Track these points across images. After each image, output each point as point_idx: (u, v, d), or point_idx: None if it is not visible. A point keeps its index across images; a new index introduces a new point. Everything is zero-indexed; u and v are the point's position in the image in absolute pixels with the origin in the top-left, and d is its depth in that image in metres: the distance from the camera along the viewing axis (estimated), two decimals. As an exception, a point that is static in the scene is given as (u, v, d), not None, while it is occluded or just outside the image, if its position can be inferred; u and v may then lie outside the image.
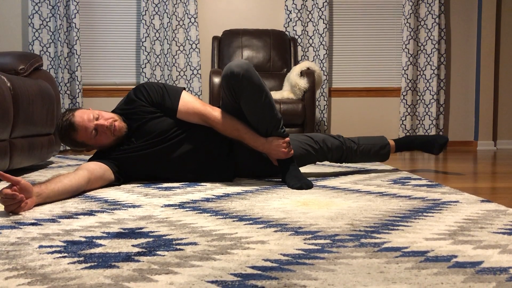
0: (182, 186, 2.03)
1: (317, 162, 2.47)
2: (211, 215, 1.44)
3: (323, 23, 4.41)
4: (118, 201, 1.67)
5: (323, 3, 4.40)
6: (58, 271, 0.93)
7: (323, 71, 4.44)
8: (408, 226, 1.28)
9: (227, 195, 1.80)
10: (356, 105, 4.64)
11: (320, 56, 4.44)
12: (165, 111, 2.08)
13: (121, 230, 1.25)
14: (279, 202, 1.66)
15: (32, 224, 1.33)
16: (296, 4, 4.42)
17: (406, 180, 2.20)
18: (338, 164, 2.95)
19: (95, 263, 0.97)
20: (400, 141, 2.53)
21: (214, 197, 1.77)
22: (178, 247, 1.09)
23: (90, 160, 2.05)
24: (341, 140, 2.35)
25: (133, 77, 4.56)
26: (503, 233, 1.20)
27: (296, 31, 4.44)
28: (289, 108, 3.63)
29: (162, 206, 1.58)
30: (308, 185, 1.96)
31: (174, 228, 1.28)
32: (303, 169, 2.53)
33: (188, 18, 4.37)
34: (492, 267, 0.94)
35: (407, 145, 2.54)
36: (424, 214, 1.44)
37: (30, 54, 2.92)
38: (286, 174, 2.05)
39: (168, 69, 4.43)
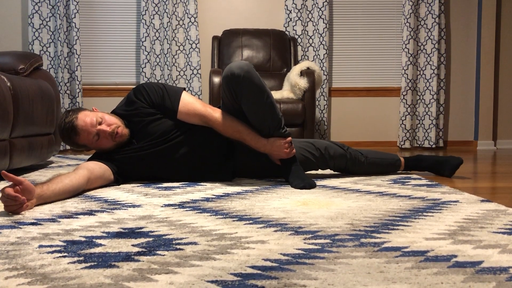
0: (182, 186, 2.03)
1: (320, 170, 2.39)
2: (211, 215, 1.44)
3: (323, 22, 4.40)
4: (118, 201, 1.67)
5: (323, 2, 4.40)
6: (58, 270, 0.93)
7: (323, 70, 4.44)
8: (408, 225, 1.28)
9: (227, 195, 1.80)
10: (356, 105, 4.64)
11: (320, 55, 4.44)
12: (165, 112, 2.07)
13: (121, 230, 1.25)
14: (279, 202, 1.66)
15: (32, 223, 1.33)
16: (296, 4, 4.42)
17: (406, 180, 2.20)
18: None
19: (95, 263, 0.97)
20: (410, 159, 2.42)
21: (214, 196, 1.77)
22: (178, 246, 1.09)
23: (89, 159, 2.05)
24: (344, 149, 2.25)
25: (133, 77, 4.56)
26: (503, 233, 1.20)
27: (296, 31, 4.44)
28: (289, 108, 3.63)
29: (162, 206, 1.58)
30: (311, 185, 1.96)
31: (174, 227, 1.28)
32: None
33: (188, 17, 4.37)
34: (492, 267, 0.94)
35: (417, 163, 2.40)
36: (424, 213, 1.44)
37: (30, 54, 2.92)
38: (289, 174, 2.05)
39: (168, 69, 4.43)
